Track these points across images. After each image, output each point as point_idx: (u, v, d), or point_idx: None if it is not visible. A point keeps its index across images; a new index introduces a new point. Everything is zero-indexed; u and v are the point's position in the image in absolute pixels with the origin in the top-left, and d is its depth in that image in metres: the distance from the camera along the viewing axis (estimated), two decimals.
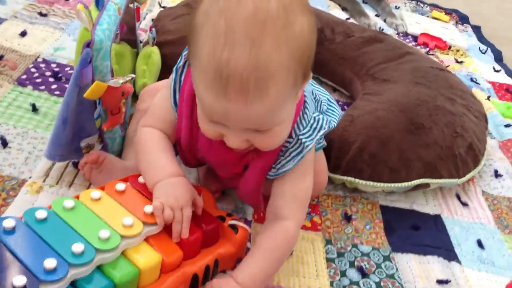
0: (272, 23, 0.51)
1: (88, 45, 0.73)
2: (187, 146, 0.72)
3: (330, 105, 0.80)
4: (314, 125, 0.69)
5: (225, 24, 0.51)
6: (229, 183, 0.81)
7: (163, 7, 1.40)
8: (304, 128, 0.68)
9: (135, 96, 0.99)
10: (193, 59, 0.56)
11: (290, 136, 0.67)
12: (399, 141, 0.96)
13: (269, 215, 0.71)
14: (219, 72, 0.51)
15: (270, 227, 0.69)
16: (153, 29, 1.05)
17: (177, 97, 0.71)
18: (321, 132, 0.69)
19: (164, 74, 1.06)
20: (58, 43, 1.13)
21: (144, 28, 1.25)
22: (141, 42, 1.14)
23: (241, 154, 0.67)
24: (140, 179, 0.71)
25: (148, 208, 0.66)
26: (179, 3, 1.27)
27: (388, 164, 0.94)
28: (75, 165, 0.83)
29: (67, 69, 1.06)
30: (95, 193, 0.67)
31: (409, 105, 1.03)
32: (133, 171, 0.78)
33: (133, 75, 0.77)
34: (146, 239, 0.65)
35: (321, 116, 0.71)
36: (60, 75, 1.03)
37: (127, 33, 1.05)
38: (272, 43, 0.51)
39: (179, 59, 0.71)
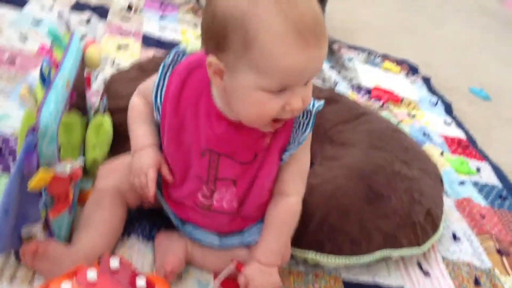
0: None
1: (33, 130, 0.68)
2: (173, 146, 0.76)
3: None
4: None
5: None
6: (210, 217, 0.80)
7: (116, 66, 1.35)
8: None
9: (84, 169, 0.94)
10: (250, 45, 0.60)
11: None
12: (359, 212, 0.95)
13: (275, 190, 0.78)
14: (298, 27, 0.58)
15: (276, 205, 0.77)
16: (105, 97, 1.00)
17: (159, 93, 0.75)
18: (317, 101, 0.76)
19: (117, 143, 1.01)
20: (2, 110, 1.06)
21: (96, 90, 1.20)
22: (91, 107, 1.10)
23: (258, 135, 0.71)
24: (90, 274, 0.66)
25: None
26: (132, 65, 1.24)
27: (349, 236, 0.93)
28: (17, 254, 0.76)
29: (12, 140, 0.99)
30: None
31: (367, 172, 1.03)
32: (83, 257, 0.73)
33: (81, 161, 0.72)
34: None
35: None
36: (2, 149, 0.96)
37: (77, 100, 1.00)
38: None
39: (168, 55, 0.75)
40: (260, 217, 0.81)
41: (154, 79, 0.81)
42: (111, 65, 1.36)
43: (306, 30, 0.59)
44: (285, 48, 0.59)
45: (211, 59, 0.65)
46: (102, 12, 1.64)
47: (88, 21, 1.53)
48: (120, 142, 1.02)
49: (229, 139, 0.72)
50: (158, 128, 0.81)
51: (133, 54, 1.47)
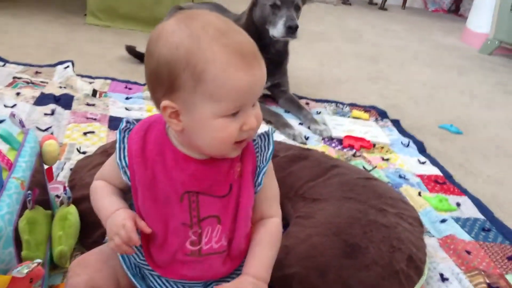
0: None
1: None
2: (149, 201, 0.75)
3: None
4: None
5: (213, 31, 0.66)
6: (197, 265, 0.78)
7: (83, 153, 1.35)
8: None
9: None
10: (201, 77, 0.65)
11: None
12: (338, 268, 0.93)
13: (256, 218, 0.81)
14: (240, 53, 0.66)
15: (262, 226, 0.80)
16: (67, 188, 1.00)
17: (122, 154, 0.76)
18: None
19: (84, 233, 1.00)
20: None
21: (62, 181, 1.19)
22: (58, 197, 1.08)
23: (227, 166, 0.74)
24: None
25: None
26: (96, 150, 1.24)
27: None
28: None
29: None
30: None
31: (341, 226, 1.02)
32: None
33: (39, 260, 0.70)
34: None
35: None
36: None
37: (40, 194, 0.99)
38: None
39: (121, 123, 0.78)
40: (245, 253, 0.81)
41: (108, 162, 0.82)
42: (77, 153, 1.36)
43: (247, 54, 0.67)
44: (233, 72, 0.66)
45: (165, 103, 0.68)
46: (66, 101, 1.66)
47: (52, 112, 1.55)
48: (87, 231, 1.00)
49: (202, 175, 0.74)
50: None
51: (100, 138, 1.47)
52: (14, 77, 1.80)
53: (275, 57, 1.92)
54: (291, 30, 1.80)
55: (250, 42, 0.69)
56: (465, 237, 1.27)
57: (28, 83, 1.78)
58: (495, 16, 3.54)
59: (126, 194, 0.82)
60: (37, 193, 0.97)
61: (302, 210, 1.13)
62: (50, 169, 1.05)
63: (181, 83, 0.66)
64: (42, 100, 1.63)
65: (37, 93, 1.68)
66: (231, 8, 2.21)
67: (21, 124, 0.93)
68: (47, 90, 1.73)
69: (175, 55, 0.66)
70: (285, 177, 1.24)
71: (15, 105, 1.57)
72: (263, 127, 0.77)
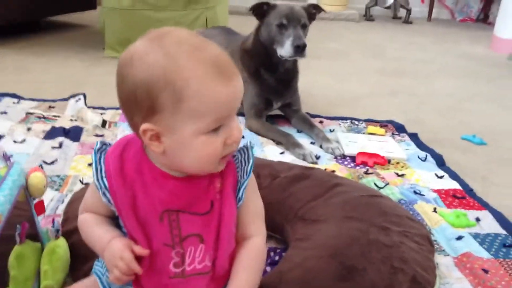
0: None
1: None
2: (132, 221, 0.73)
3: None
4: None
5: (188, 47, 0.66)
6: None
7: (86, 184, 1.35)
8: None
9: None
10: (181, 95, 0.64)
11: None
12: None
13: (238, 235, 0.78)
14: (217, 66, 0.65)
15: (243, 247, 0.78)
16: (55, 221, 0.99)
17: (100, 175, 0.74)
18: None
19: (76, 265, 0.98)
20: None
21: (58, 214, 1.19)
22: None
23: (206, 182, 0.73)
24: None
25: None
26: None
27: None
28: None
29: None
30: None
31: (339, 247, 0.97)
32: None
33: None
34: None
35: None
36: None
37: (30, 228, 0.98)
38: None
39: (96, 144, 0.77)
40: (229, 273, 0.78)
41: (89, 193, 0.80)
42: (80, 184, 1.36)
43: (224, 66, 0.67)
44: (213, 86, 0.65)
45: (145, 126, 0.67)
46: (75, 133, 1.68)
47: (60, 145, 1.57)
48: (78, 264, 0.99)
49: (181, 193, 0.73)
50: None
51: None
52: (27, 113, 1.84)
53: (284, 76, 1.88)
54: (299, 49, 1.77)
55: (224, 54, 0.69)
56: (484, 254, 1.18)
57: (40, 118, 1.81)
58: None
59: (114, 220, 0.80)
60: (27, 228, 0.96)
61: (300, 232, 1.08)
62: (41, 202, 1.04)
63: (161, 104, 0.65)
64: (51, 134, 1.66)
65: (48, 127, 1.71)
66: (241, 32, 2.20)
67: (5, 157, 0.93)
68: (58, 123, 1.76)
69: (152, 76, 0.65)
70: (285, 199, 1.19)
71: (24, 140, 1.59)
72: (243, 142, 0.76)
